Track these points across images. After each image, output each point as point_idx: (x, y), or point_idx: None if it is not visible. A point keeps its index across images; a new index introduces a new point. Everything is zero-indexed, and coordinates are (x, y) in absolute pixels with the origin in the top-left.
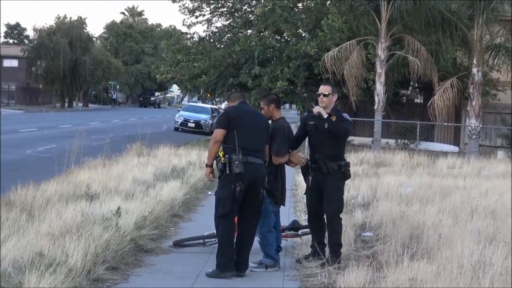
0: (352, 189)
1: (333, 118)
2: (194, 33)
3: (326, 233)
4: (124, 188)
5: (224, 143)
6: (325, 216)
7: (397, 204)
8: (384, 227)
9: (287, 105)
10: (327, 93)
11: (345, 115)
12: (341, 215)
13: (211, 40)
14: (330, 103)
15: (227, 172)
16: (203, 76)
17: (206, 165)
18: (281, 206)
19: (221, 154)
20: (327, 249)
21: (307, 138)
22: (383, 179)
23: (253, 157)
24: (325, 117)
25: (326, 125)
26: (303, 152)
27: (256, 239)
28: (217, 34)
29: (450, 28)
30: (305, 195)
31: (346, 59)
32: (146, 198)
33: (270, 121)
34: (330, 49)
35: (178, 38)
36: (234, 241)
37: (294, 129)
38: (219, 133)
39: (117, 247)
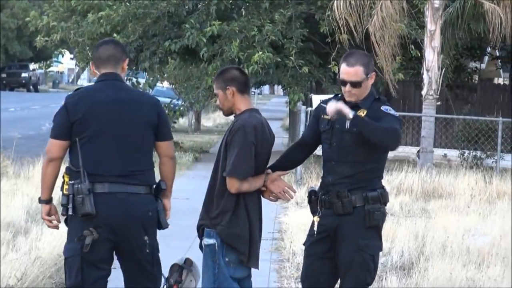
0: (382, 239)
1: (362, 113)
2: None
3: None
4: None
5: (70, 160)
6: None
7: (461, 266)
8: None
9: (265, 88)
10: (358, 81)
11: (388, 107)
12: None
13: None
14: (364, 92)
15: (70, 212)
16: (115, 35)
17: (40, 201)
18: (252, 270)
19: (66, 179)
20: None
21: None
22: (436, 222)
23: (119, 184)
24: (350, 117)
25: (348, 124)
26: (295, 174)
27: None
28: None
29: None
30: (303, 248)
31: (371, 8)
32: (12, 253)
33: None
34: None
35: None
36: None
37: (280, 132)
38: (54, 146)
39: None
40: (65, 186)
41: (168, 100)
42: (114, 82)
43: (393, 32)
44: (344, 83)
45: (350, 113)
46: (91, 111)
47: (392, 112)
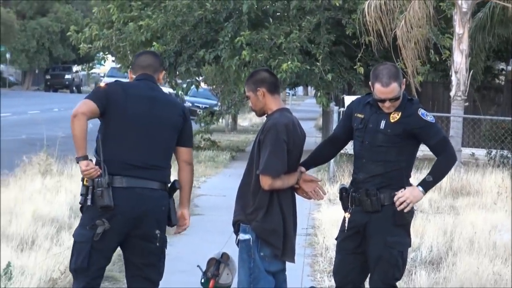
0: (412, 235)
1: (397, 115)
2: None
3: None
4: (18, 230)
5: (95, 151)
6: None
7: (488, 261)
8: None
9: (299, 89)
10: (396, 96)
11: (424, 112)
12: (398, 285)
13: None
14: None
15: (88, 202)
16: (155, 43)
17: (78, 160)
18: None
19: None
20: None
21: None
22: (464, 218)
23: (136, 178)
24: (423, 192)
25: (382, 124)
26: (328, 172)
27: None
28: None
29: None
30: (335, 243)
31: (401, 12)
32: (56, 247)
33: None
34: None
35: None
36: None
37: (314, 131)
38: (82, 104)
39: None
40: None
41: (208, 101)
42: (149, 83)
43: (420, 36)
44: (383, 101)
45: (421, 196)
46: (125, 101)
47: (429, 118)
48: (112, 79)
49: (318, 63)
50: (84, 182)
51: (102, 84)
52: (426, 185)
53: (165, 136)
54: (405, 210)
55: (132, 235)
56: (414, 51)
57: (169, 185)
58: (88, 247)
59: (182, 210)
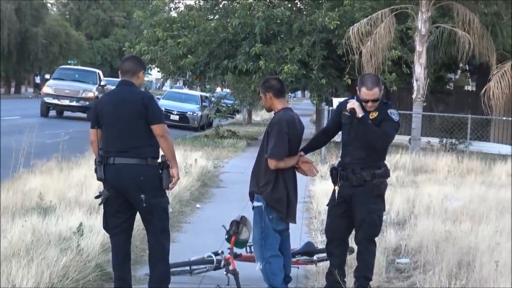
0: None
1: (375, 114)
2: (179, 0)
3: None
4: (87, 199)
5: None
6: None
7: (441, 222)
8: (424, 252)
9: (298, 93)
10: (377, 98)
11: (393, 112)
12: (376, 240)
13: (201, 10)
14: (379, 101)
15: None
16: (189, 56)
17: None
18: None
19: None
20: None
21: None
22: (423, 190)
23: (120, 158)
24: (360, 116)
25: (355, 121)
26: (320, 155)
27: (258, 267)
28: (208, 1)
29: None
30: (326, 208)
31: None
32: None
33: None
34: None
35: (156, 8)
36: (120, 262)
37: (309, 124)
38: (91, 134)
39: (78, 275)
40: None
41: (229, 101)
42: (124, 87)
43: (385, 53)
44: (366, 101)
45: (360, 114)
46: (103, 108)
47: (394, 116)
48: (58, 81)
49: (314, 71)
50: None
51: (45, 88)
52: (363, 119)
53: (134, 124)
54: (349, 106)
55: (128, 200)
56: (375, 64)
57: (158, 159)
58: (104, 211)
59: (171, 170)
